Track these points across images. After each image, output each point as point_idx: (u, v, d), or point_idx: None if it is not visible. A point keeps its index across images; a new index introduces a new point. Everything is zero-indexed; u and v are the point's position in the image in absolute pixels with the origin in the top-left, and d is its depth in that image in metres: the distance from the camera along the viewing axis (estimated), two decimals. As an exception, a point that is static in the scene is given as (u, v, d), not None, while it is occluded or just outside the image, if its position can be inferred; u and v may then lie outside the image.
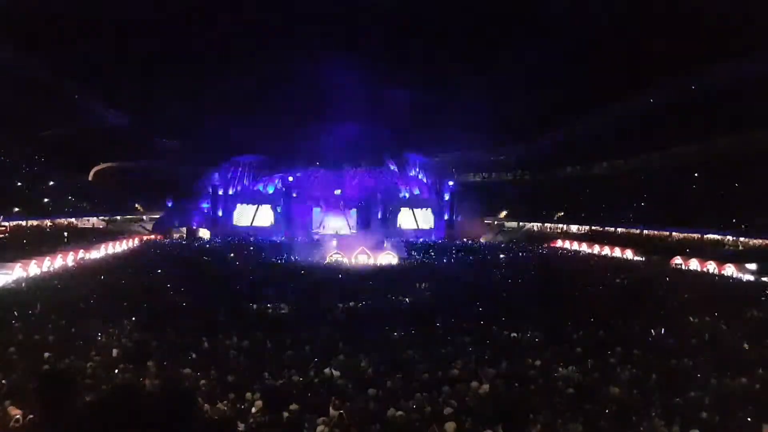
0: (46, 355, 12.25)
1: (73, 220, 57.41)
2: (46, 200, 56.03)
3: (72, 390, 10.02)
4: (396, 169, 67.40)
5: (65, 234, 44.96)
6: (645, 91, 67.58)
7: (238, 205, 61.28)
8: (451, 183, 63.28)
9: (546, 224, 67.54)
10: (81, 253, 33.38)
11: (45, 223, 52.37)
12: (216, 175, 62.94)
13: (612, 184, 65.85)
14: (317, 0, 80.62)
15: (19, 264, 26.23)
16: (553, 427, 9.08)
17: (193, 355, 12.87)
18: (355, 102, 69.13)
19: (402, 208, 61.09)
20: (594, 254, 44.88)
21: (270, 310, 19.10)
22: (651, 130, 64.81)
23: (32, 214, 51.21)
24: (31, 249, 33.02)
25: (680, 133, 59.59)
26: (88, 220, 59.73)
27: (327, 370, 11.80)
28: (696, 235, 48.20)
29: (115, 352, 12.95)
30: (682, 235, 49.59)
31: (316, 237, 51.76)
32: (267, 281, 25.56)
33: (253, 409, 9.52)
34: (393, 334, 15.74)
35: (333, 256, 36.40)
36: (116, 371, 11.48)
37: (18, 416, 8.64)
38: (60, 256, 30.62)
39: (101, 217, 61.35)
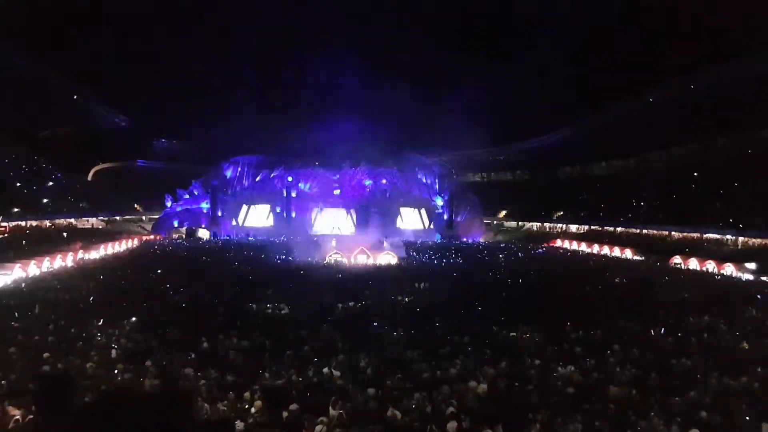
0: (46, 355, 12.25)
1: (72, 220, 57.39)
2: (45, 200, 56.01)
3: (71, 390, 10.03)
4: (395, 169, 67.40)
5: (65, 234, 44.96)
6: (645, 91, 67.65)
7: (238, 205, 61.25)
8: (450, 183, 63.24)
9: (545, 224, 67.59)
10: (80, 254, 33.37)
11: (44, 223, 52.36)
12: (215, 175, 62.91)
13: (611, 183, 65.87)
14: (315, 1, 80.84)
15: (18, 264, 26.23)
16: (553, 426, 9.09)
17: (193, 355, 12.87)
18: (355, 102, 69.28)
19: (401, 208, 61.07)
20: (593, 254, 44.92)
21: (269, 310, 19.09)
22: (650, 130, 64.79)
23: (32, 214, 51.20)
24: (31, 249, 33.02)
25: (680, 133, 59.62)
26: (88, 221, 59.72)
27: (326, 370, 11.80)
28: (695, 235, 48.22)
29: (114, 352, 12.95)
30: (681, 235, 49.64)
31: (315, 237, 51.75)
32: (266, 281, 25.55)
33: (253, 409, 9.53)
34: (392, 334, 15.74)
35: (332, 256, 36.37)
36: (115, 371, 11.48)
37: (17, 416, 8.64)
38: (59, 256, 30.62)
39: (101, 218, 61.34)
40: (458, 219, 60.74)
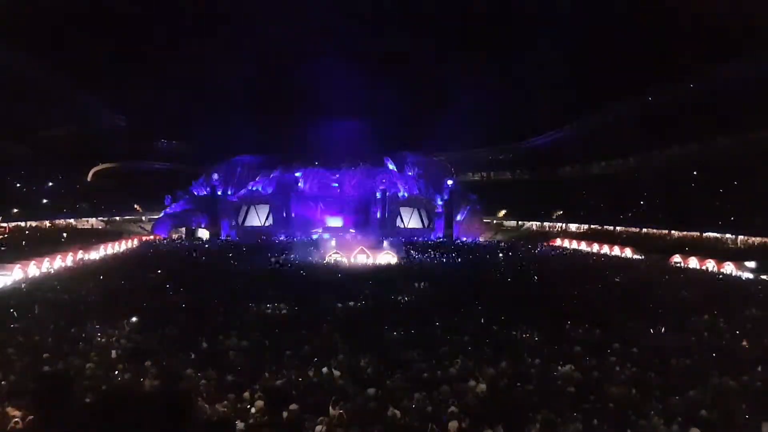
0: (45, 356, 12.25)
1: (72, 220, 57.38)
2: (45, 201, 55.99)
3: (71, 391, 10.06)
4: (395, 168, 67.41)
5: (65, 234, 44.96)
6: (644, 91, 67.66)
7: (237, 206, 61.20)
8: (450, 182, 63.25)
9: (545, 223, 67.59)
10: (80, 254, 33.36)
11: (44, 224, 52.35)
12: (215, 176, 62.90)
13: (611, 183, 65.89)
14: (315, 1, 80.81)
15: (18, 265, 26.22)
16: (553, 426, 9.09)
17: (193, 355, 12.87)
18: (354, 101, 69.26)
19: (401, 208, 61.06)
20: (593, 253, 44.92)
21: (269, 310, 19.09)
22: (650, 130, 64.83)
23: (31, 215, 51.20)
24: (31, 250, 33.02)
25: (679, 132, 59.67)
26: (87, 221, 59.71)
27: (326, 370, 11.81)
28: (695, 234, 48.24)
29: (114, 352, 12.96)
30: (681, 234, 49.66)
31: (314, 237, 51.78)
32: (266, 281, 25.55)
33: (253, 409, 9.53)
34: (392, 333, 15.74)
35: (332, 255, 36.39)
36: (116, 372, 11.48)
37: (17, 417, 8.64)
38: (59, 257, 30.62)
39: (100, 218, 61.33)
40: (458, 218, 60.72)
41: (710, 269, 33.71)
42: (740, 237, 44.66)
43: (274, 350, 13.48)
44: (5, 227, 46.41)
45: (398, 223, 60.05)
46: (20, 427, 8.43)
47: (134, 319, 16.29)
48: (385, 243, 39.71)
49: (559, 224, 65.66)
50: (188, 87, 74.73)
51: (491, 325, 16.68)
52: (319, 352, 13.20)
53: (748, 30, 51.74)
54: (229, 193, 62.49)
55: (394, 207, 60.22)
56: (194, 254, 38.74)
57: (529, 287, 26.19)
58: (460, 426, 8.82)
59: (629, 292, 24.10)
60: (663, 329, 16.51)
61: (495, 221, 69.67)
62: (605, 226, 57.90)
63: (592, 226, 59.52)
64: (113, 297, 20.23)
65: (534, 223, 68.91)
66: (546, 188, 72.60)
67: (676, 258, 37.17)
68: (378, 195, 60.03)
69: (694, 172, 56.92)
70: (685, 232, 49.26)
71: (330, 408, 9.27)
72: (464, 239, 56.16)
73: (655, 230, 52.59)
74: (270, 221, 59.64)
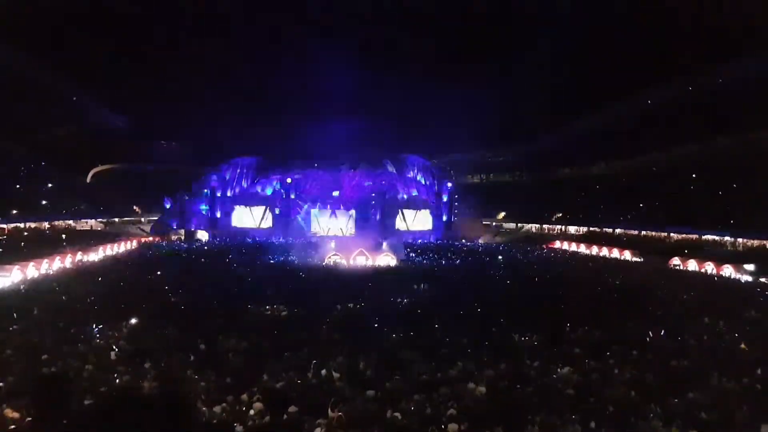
0: (44, 357, 12.23)
1: (71, 222, 57.30)
2: (44, 202, 55.92)
3: (70, 392, 10.03)
4: (394, 170, 67.43)
5: (64, 236, 44.90)
6: (643, 92, 67.70)
7: (237, 207, 61.20)
8: (449, 184, 63.27)
9: (544, 225, 67.61)
10: (79, 255, 33.32)
11: (43, 225, 52.29)
12: (214, 177, 62.86)
13: (610, 185, 65.91)
14: (316, 0, 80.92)
15: (17, 266, 26.16)
16: (552, 428, 9.09)
17: (192, 357, 12.85)
18: (354, 103, 69.29)
19: (400, 210, 61.06)
20: (592, 255, 44.92)
21: (268, 312, 19.08)
22: (649, 131, 64.88)
23: (30, 216, 51.14)
24: (30, 251, 32.98)
25: (679, 133, 59.69)
26: (87, 222, 59.64)
27: (325, 372, 11.79)
28: (694, 236, 48.28)
29: (113, 354, 12.94)
30: (680, 236, 49.70)
31: (314, 238, 51.74)
32: (265, 283, 25.54)
33: (252, 411, 9.51)
34: (392, 335, 15.73)
35: (331, 257, 36.38)
36: (114, 374, 11.45)
37: (16, 418, 8.63)
38: (58, 258, 30.58)
39: (99, 219, 61.25)
40: (457, 220, 60.75)
41: (709, 272, 33.73)
42: (739, 239, 44.70)
43: (273, 352, 13.47)
44: (4, 228, 46.36)
45: (397, 224, 60.05)
46: (19, 429, 8.42)
47: (133, 320, 16.27)
48: (385, 245, 39.70)
49: (559, 226, 65.70)
50: (188, 88, 74.65)
51: (491, 327, 16.67)
52: (319, 353, 13.19)
53: (748, 30, 51.82)
54: (229, 194, 62.46)
55: (394, 209, 60.23)
56: (193, 255, 38.72)
57: (528, 289, 26.18)
58: (460, 428, 8.81)
59: (628, 295, 24.10)
60: (662, 331, 16.50)
61: (494, 223, 69.67)
62: (604, 228, 57.93)
63: (591, 228, 59.55)
64: (112, 298, 20.20)
65: (533, 225, 68.94)
66: (545, 190, 72.65)
67: (676, 260, 37.19)
68: (377, 197, 60.03)
69: (693, 175, 56.96)
70: (684, 235, 49.31)
71: (329, 410, 9.26)
72: (463, 241, 56.15)
73: (654, 232, 52.61)
74: (269, 223, 59.66)
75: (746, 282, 30.32)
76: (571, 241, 52.79)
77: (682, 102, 61.67)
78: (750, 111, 50.66)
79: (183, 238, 54.73)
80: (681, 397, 10.56)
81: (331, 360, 12.62)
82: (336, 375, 11.64)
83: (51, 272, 28.28)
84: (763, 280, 30.28)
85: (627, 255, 42.29)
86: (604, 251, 44.91)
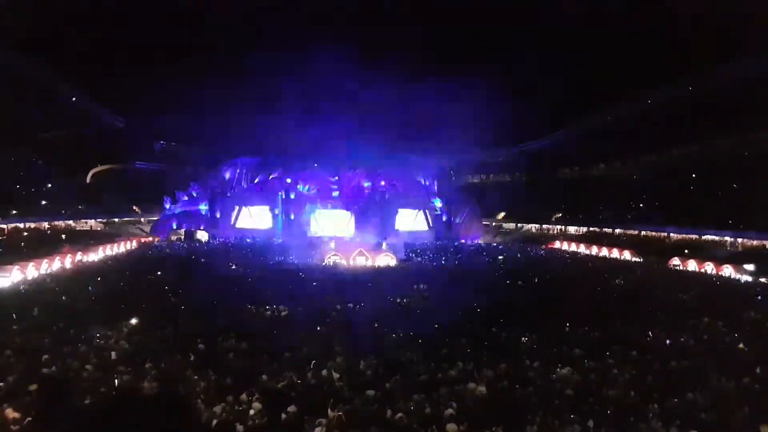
0: (44, 358, 12.23)
1: (71, 222, 57.30)
2: (44, 202, 55.91)
3: (70, 392, 10.04)
4: (394, 171, 67.37)
5: (63, 236, 44.90)
6: (643, 92, 67.76)
7: (236, 207, 61.19)
8: (449, 184, 63.27)
9: (544, 225, 67.64)
10: (79, 256, 33.32)
11: (43, 225, 52.30)
12: (214, 177, 62.89)
13: (610, 185, 65.96)
14: (315, 0, 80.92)
15: (17, 267, 26.15)
16: (552, 428, 9.09)
17: (192, 357, 12.85)
18: (354, 103, 69.26)
19: (400, 210, 61.06)
20: (592, 255, 44.92)
21: (268, 312, 19.08)
22: (649, 132, 64.92)
23: (30, 216, 51.14)
24: (29, 251, 32.97)
25: (679, 133, 59.74)
26: (86, 222, 59.63)
27: (325, 372, 11.79)
28: (694, 236, 48.30)
29: (113, 354, 12.93)
30: (679, 236, 49.72)
31: (314, 239, 51.71)
32: (265, 283, 25.52)
33: (251, 411, 9.52)
34: (391, 335, 15.74)
35: (331, 257, 36.38)
36: (114, 374, 11.45)
37: (16, 419, 8.63)
38: (58, 258, 30.58)
39: (99, 220, 61.26)
40: (457, 220, 60.75)
41: (709, 272, 33.74)
42: (739, 239, 44.71)
43: (273, 352, 13.47)
44: (4, 229, 46.35)
45: (397, 225, 60.04)
46: (19, 429, 8.42)
47: (133, 320, 16.27)
48: (385, 245, 39.70)
49: (558, 226, 65.72)
50: (188, 88, 74.67)
51: (490, 327, 16.67)
52: (318, 354, 13.19)
53: (748, 30, 51.87)
54: (228, 194, 62.46)
55: (394, 209, 60.22)
56: (193, 256, 38.71)
57: (528, 289, 26.17)
58: (459, 428, 8.82)
59: (628, 295, 24.10)
60: (662, 331, 16.50)
61: (494, 223, 69.72)
62: (604, 229, 57.95)
63: (591, 229, 59.58)
64: (112, 299, 20.19)
65: (533, 225, 68.97)
66: (545, 190, 72.71)
67: (675, 260, 37.20)
68: (377, 197, 60.02)
69: (693, 175, 56.99)
70: (684, 235, 49.33)
71: (329, 410, 9.26)
72: (464, 241, 56.17)
73: (654, 232, 52.63)
74: (269, 223, 59.65)
75: (746, 282, 30.31)
76: (570, 241, 52.81)
77: (682, 102, 61.68)
78: (750, 111, 50.68)
79: (183, 238, 54.74)
80: (681, 397, 10.57)
81: (330, 360, 12.62)
82: (336, 375, 11.64)
83: (51, 272, 28.26)
84: (762, 280, 30.27)
85: (627, 255, 42.30)
86: (604, 251, 44.92)
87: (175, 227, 57.60)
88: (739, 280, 30.93)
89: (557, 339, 15.35)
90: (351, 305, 20.35)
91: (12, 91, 56.12)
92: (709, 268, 34.02)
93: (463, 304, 20.63)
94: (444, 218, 60.83)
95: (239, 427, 8.87)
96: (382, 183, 63.15)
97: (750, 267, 32.13)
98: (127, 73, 73.84)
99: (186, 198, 61.68)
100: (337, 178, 64.34)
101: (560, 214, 66.23)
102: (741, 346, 15.11)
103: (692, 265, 35.42)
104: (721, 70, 56.96)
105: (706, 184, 52.95)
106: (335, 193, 62.27)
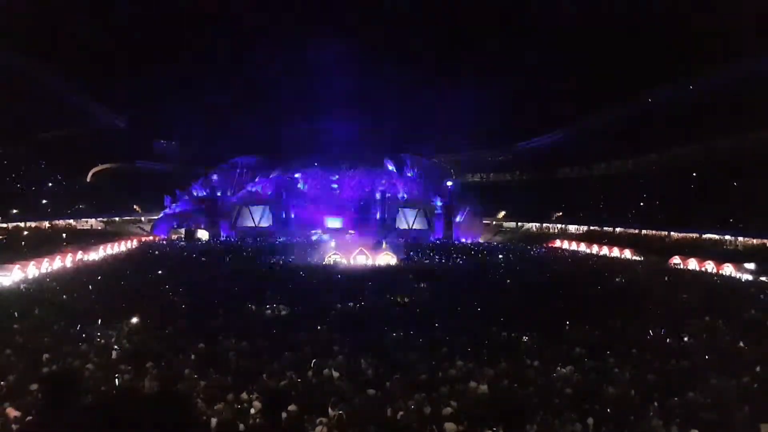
0: (45, 356, 12.24)
1: (71, 221, 57.33)
2: (44, 202, 55.94)
3: (71, 391, 10.05)
4: (394, 170, 67.45)
5: (64, 235, 44.92)
6: (644, 92, 67.69)
7: (237, 207, 61.24)
8: (449, 183, 63.29)
9: (545, 224, 67.60)
10: (79, 255, 33.34)
11: (43, 224, 52.31)
12: (214, 176, 62.94)
13: (610, 184, 65.89)
14: (315, 0, 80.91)
15: (17, 266, 26.20)
16: (552, 427, 9.09)
17: (193, 357, 12.86)
18: (354, 102, 69.29)
19: (400, 209, 61.09)
20: (592, 254, 44.92)
21: (269, 311, 19.09)
22: (650, 131, 64.86)
23: (31, 215, 51.16)
24: (30, 251, 32.99)
25: (679, 133, 59.66)
26: (87, 222, 59.66)
27: (326, 371, 11.80)
28: (694, 235, 48.26)
29: (114, 353, 12.94)
30: (680, 235, 49.69)
31: (314, 238, 51.76)
32: (266, 282, 25.54)
33: (252, 410, 9.52)
34: (392, 334, 15.74)
35: (331, 256, 36.40)
36: (115, 373, 11.46)
37: (17, 418, 8.64)
38: (59, 257, 30.60)
39: (100, 219, 61.29)
40: (457, 219, 60.76)
41: (709, 271, 33.73)
42: (740, 238, 44.69)
43: (273, 351, 13.47)
44: (5, 228, 46.35)
45: (398, 224, 60.12)
46: (20, 428, 8.43)
47: (134, 319, 16.28)
48: (385, 244, 39.73)
49: (559, 225, 65.70)
50: (188, 87, 74.81)
51: (490, 326, 16.67)
52: (319, 353, 13.19)
53: (748, 30, 51.78)
54: (229, 194, 62.51)
55: (394, 208, 60.26)
56: (194, 255, 38.72)
57: (528, 288, 26.16)
58: (458, 429, 8.82)
59: (628, 294, 24.09)
60: (662, 331, 16.50)
61: (494, 222, 69.72)
62: (604, 228, 57.93)
63: (592, 228, 59.55)
64: (112, 298, 20.20)
65: (533, 224, 68.94)
66: (545, 189, 72.66)
67: (676, 259, 37.18)
68: (377, 196, 60.06)
69: (694, 174, 56.94)
70: (684, 234, 49.29)
71: (329, 409, 9.27)
72: (464, 240, 56.18)
73: (654, 231, 52.60)
74: (269, 222, 59.70)
75: (747, 281, 30.30)
76: (571, 240, 52.80)
77: (681, 102, 61.60)
78: (750, 111, 50.60)
79: (183, 237, 54.78)
80: (681, 397, 10.57)
81: (331, 359, 12.63)
82: (336, 374, 11.65)
83: (52, 271, 28.28)
84: (763, 279, 30.26)
85: (627, 254, 42.30)
86: (605, 250, 44.92)
87: (175, 226, 57.64)
88: (739, 279, 30.92)
89: (557, 338, 15.35)
90: (351, 304, 20.37)
91: (12, 90, 56.05)
92: (710, 267, 34.02)
93: (463, 303, 20.67)
94: (444, 217, 60.87)
95: (240, 426, 8.87)
96: (383, 182, 63.21)
97: (750, 266, 32.12)
98: (128, 72, 73.93)
99: (186, 197, 61.69)
100: (337, 177, 64.42)
101: (561, 213, 66.20)
102: (743, 345, 15.09)
103: (693, 264, 35.42)
104: (721, 70, 56.88)
105: (707, 183, 52.86)
106: (335, 192, 62.25)
